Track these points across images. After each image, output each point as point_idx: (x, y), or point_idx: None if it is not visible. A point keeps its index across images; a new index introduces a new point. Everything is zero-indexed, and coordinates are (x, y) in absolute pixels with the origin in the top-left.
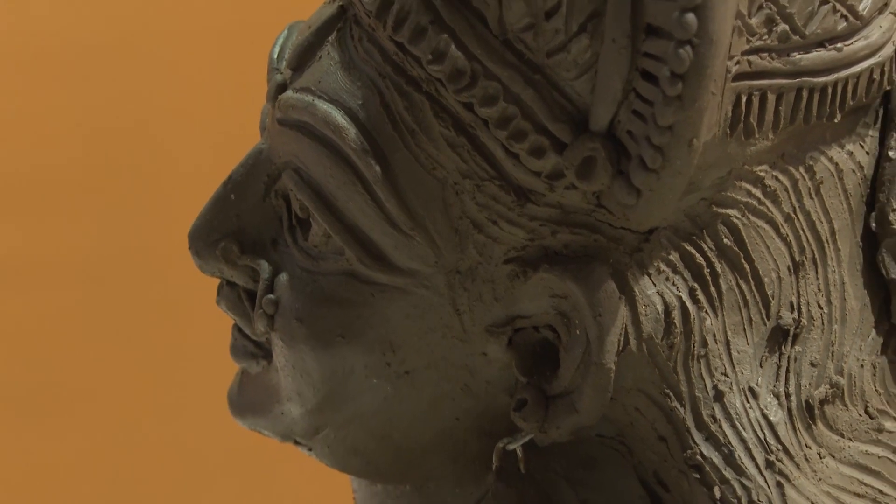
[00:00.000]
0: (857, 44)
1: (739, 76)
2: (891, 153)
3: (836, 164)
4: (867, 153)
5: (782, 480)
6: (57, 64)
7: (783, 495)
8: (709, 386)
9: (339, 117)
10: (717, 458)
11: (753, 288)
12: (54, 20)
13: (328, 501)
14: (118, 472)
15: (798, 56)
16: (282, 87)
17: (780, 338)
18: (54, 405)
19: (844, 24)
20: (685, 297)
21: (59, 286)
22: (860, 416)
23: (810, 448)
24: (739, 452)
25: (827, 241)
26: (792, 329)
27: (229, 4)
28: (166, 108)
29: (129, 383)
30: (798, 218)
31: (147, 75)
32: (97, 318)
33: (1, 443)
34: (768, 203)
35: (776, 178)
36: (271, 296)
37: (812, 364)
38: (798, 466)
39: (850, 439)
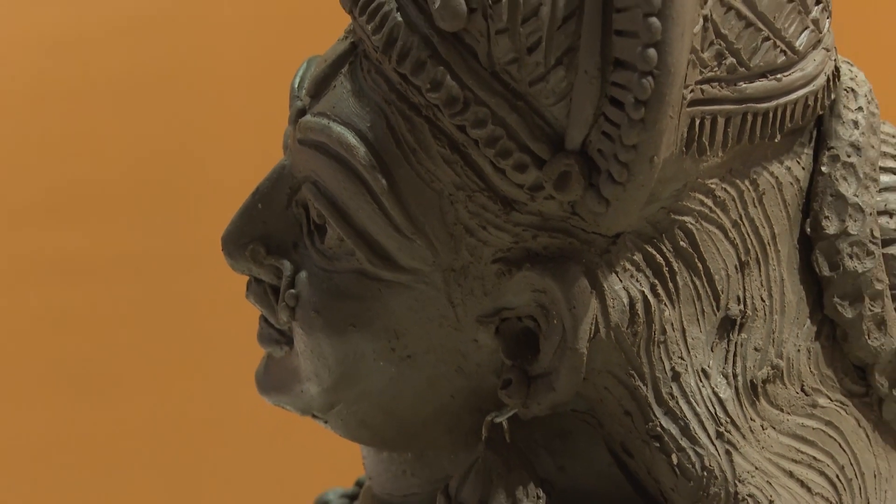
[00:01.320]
0: (794, 75)
1: (693, 102)
2: (823, 168)
3: (777, 177)
4: (803, 168)
5: (730, 449)
6: (114, 95)
7: (731, 461)
8: (667, 368)
9: (351, 138)
10: (674, 430)
11: (706, 284)
12: (114, 59)
13: (344, 468)
14: (159, 439)
15: (744, 85)
16: (302, 112)
17: (728, 326)
18: (109, 381)
19: (783, 58)
20: (647, 292)
21: (115, 281)
22: (797, 393)
23: (754, 421)
24: (694, 425)
25: (768, 243)
26: (738, 319)
27: (258, 45)
28: (203, 132)
29: (169, 363)
30: (744, 224)
31: (187, 105)
32: (145, 308)
33: (63, 412)
34: (718, 211)
35: (725, 189)
36: (293, 291)
37: (756, 349)
38: (744, 437)
39: (789, 413)
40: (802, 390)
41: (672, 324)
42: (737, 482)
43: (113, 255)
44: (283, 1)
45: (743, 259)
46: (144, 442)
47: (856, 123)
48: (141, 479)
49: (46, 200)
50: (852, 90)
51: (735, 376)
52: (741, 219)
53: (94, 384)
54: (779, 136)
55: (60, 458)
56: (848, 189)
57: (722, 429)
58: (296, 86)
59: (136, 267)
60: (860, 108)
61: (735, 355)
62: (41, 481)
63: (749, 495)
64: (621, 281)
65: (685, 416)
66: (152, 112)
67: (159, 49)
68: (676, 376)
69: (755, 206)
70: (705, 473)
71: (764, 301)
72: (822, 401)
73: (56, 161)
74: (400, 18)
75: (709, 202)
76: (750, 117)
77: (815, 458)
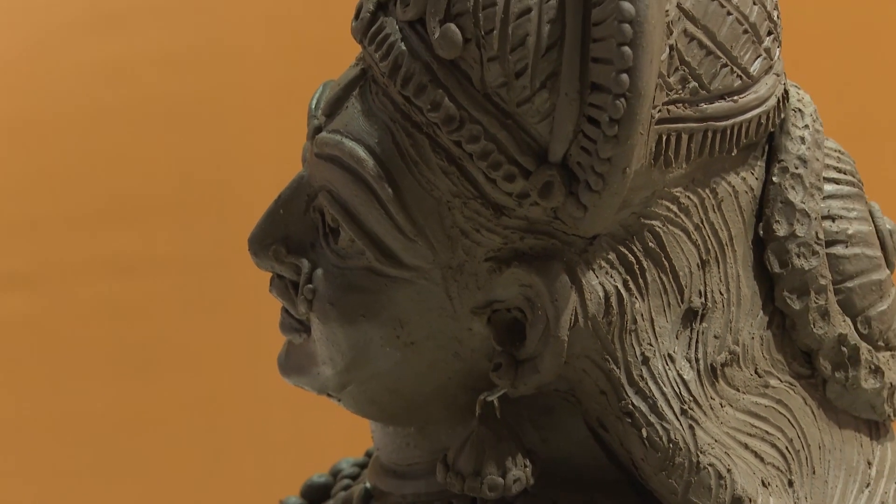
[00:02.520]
0: (748, 97)
1: (661, 121)
2: (774, 178)
3: (733, 186)
4: (756, 178)
5: (693, 424)
6: (161, 119)
7: (694, 435)
8: (638, 353)
9: (361, 152)
10: (644, 407)
11: (671, 280)
12: (159, 87)
13: (355, 441)
14: (198, 413)
15: (704, 106)
16: (318, 130)
17: (691, 317)
18: (155, 363)
19: (739, 82)
20: (620, 286)
21: (160, 277)
22: (751, 375)
23: (714, 399)
24: (661, 403)
25: (726, 244)
26: (700, 310)
27: (280, 73)
28: (234, 149)
29: (205, 348)
30: (705, 227)
31: (222, 126)
32: (185, 301)
33: (115, 390)
34: (682, 216)
35: (688, 197)
36: (310, 285)
37: (715, 336)
38: (705, 413)
39: (744, 393)
40: (756, 373)
41: (642, 314)
42: (699, 453)
43: (158, 255)
44: (302, 34)
45: (704, 258)
46: (184, 414)
47: (803, 139)
48: (181, 446)
49: (103, 208)
50: (799, 110)
51: (697, 360)
52: (702, 223)
53: (142, 366)
54: (735, 151)
55: (114, 428)
56: (796, 197)
57: (686, 406)
58: (313, 106)
59: (177, 265)
60: (806, 126)
61: (697, 342)
62: (99, 448)
63: (709, 465)
64: (597, 277)
65: (653, 395)
66: (193, 132)
67: (198, 78)
68: (646, 360)
69: (714, 212)
70: (671, 445)
71: (722, 294)
72: (773, 382)
73: (112, 175)
74: (404, 47)
75: (674, 208)
76: (710, 134)
77: (767, 431)
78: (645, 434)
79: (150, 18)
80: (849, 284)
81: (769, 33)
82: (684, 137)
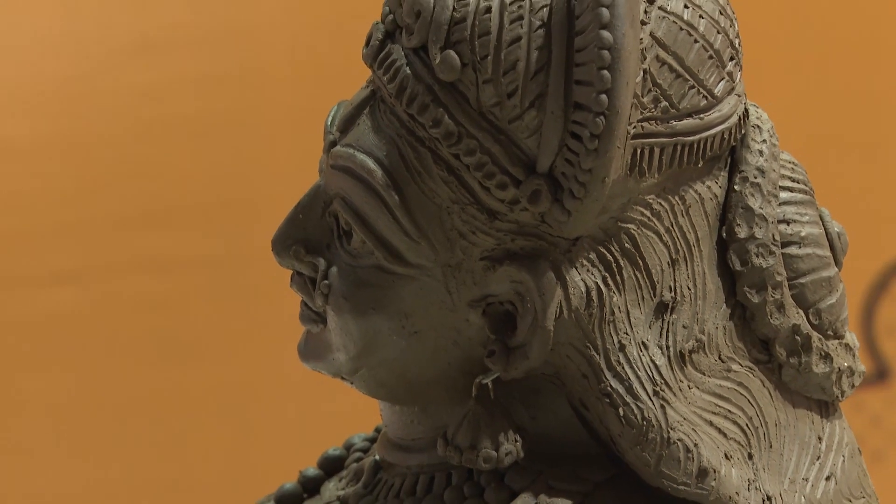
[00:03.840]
0: (713, 115)
1: (635, 136)
2: (735, 187)
3: (700, 194)
4: (720, 187)
5: (664, 403)
6: (196, 133)
7: (665, 413)
8: (615, 341)
9: (371, 163)
10: (621, 389)
11: (645, 276)
12: (193, 105)
13: (366, 419)
14: (228, 395)
15: (674, 123)
16: (333, 144)
17: (662, 309)
18: (191, 351)
19: (705, 101)
20: (600, 282)
21: (194, 274)
22: (716, 361)
23: (682, 382)
24: (636, 385)
25: (693, 245)
26: (670, 304)
27: (300, 95)
28: (260, 161)
29: (234, 337)
30: (674, 230)
31: (250, 140)
32: (216, 295)
33: (155, 376)
34: (654, 220)
35: (660, 203)
36: (326, 281)
37: (684, 326)
38: (675, 394)
39: (709, 376)
40: (720, 358)
41: (619, 307)
42: (669, 429)
43: (191, 255)
44: (319, 60)
45: (674, 257)
46: (215, 396)
47: (761, 152)
48: (213, 423)
49: (143, 213)
50: (758, 126)
51: (668, 347)
52: (672, 226)
53: (177, 352)
54: (701, 163)
55: (152, 407)
56: (755, 203)
57: (658, 388)
58: (328, 123)
59: (208, 264)
60: (764, 141)
61: (667, 331)
62: (139, 424)
63: (679, 440)
64: (580, 274)
65: (629, 378)
66: (223, 147)
67: (228, 99)
68: (622, 347)
69: (683, 217)
70: (645, 423)
71: (690, 290)
72: (734, 366)
73: (150, 183)
74: (409, 71)
75: (647, 213)
76: (679, 148)
77: (729, 410)
78: (622, 413)
79: (186, 47)
80: (802, 280)
81: (731, 59)
82: (656, 151)
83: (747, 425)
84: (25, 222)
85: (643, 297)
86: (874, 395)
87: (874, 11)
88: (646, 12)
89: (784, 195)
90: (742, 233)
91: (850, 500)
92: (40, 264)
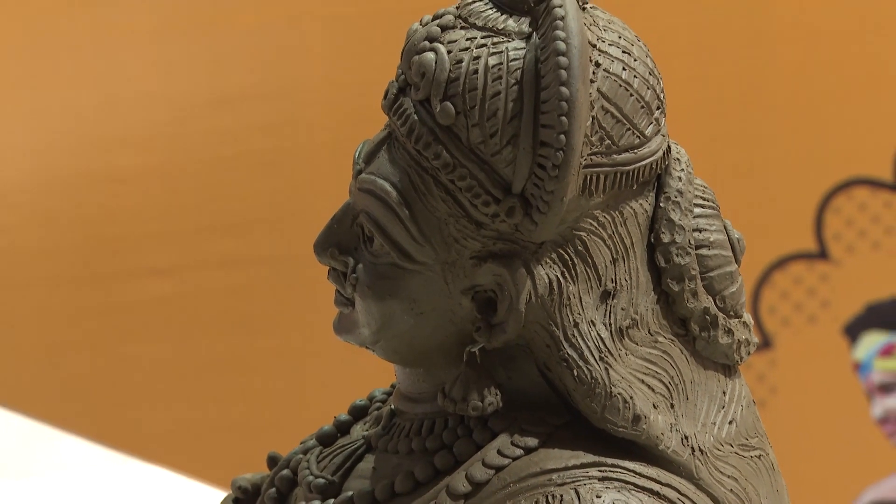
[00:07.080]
0: (644, 150)
1: (586, 166)
2: (661, 204)
3: (634, 209)
4: (650, 204)
5: (608, 367)
6: (261, 165)
7: (608, 374)
8: (571, 320)
9: (388, 186)
10: (575, 355)
11: (593, 271)
12: (260, 144)
13: (384, 377)
14: (289, 365)
15: (615, 156)
16: (360, 172)
17: (606, 296)
18: (264, 330)
19: (638, 140)
20: (559, 275)
21: (256, 271)
22: (646, 335)
23: (621, 350)
24: (586, 352)
25: (630, 247)
26: (612, 292)
27: (337, 135)
28: (306, 182)
29: (288, 316)
30: (615, 236)
31: (298, 165)
32: (277, 286)
33: (231, 350)
34: (600, 229)
35: (604, 216)
36: (354, 275)
37: (622, 309)
38: (615, 360)
39: (641, 346)
40: (649, 332)
41: (574, 294)
42: (611, 386)
43: (258, 254)
44: (350, 112)
45: (615, 256)
46: (276, 364)
47: (680, 178)
48: (273, 384)
49: (221, 221)
50: (678, 158)
51: (610, 325)
52: (614, 233)
53: (249, 330)
54: (636, 186)
55: (228, 373)
56: (675, 216)
57: (603, 355)
58: (356, 156)
59: (270, 262)
60: (682, 170)
61: (610, 312)
62: (220, 384)
63: (618, 394)
64: (544, 269)
65: (581, 348)
66: (283, 174)
67: (285, 139)
68: (576, 325)
69: (622, 226)
70: (593, 381)
71: (627, 281)
72: (660, 339)
73: (226, 198)
74: (416, 117)
75: (595, 224)
76: (619, 175)
77: (656, 371)
78: (576, 374)
79: (253, 99)
80: (711, 274)
81: (658, 108)
82: (602, 177)
83: (670, 383)
84: (133, 230)
85: (592, 287)
86: (759, 359)
87: (772, 72)
88: (594, 73)
89: (697, 210)
90: (666, 238)
91: (747, 439)
92: (145, 262)
